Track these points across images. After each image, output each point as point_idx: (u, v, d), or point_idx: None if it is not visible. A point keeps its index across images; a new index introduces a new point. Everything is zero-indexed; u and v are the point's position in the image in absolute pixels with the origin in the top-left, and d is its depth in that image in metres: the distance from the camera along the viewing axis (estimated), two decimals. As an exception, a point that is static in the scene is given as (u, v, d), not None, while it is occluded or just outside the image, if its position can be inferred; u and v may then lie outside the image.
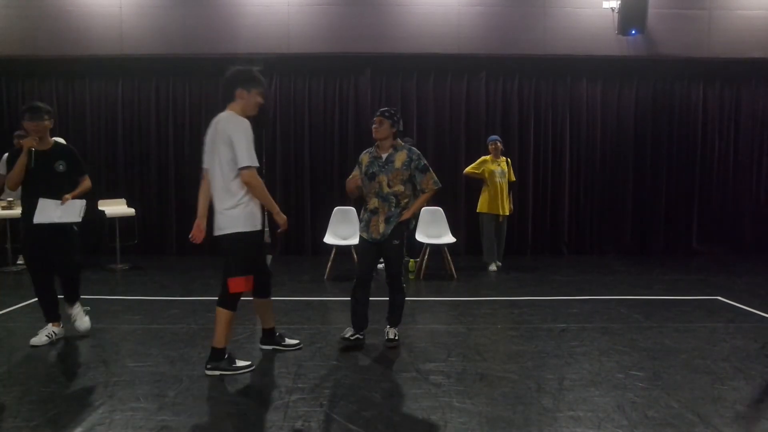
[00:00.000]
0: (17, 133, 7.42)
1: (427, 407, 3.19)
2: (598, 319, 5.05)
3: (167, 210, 8.65)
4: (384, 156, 4.12)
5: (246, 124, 3.55)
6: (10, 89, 8.52)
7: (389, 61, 8.35)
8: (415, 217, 4.20)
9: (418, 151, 4.26)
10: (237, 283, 3.60)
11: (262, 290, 3.95)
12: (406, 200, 4.14)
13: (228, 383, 3.53)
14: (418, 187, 4.20)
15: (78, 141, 8.41)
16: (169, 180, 8.61)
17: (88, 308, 4.70)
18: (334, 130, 8.55)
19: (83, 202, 4.31)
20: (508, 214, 7.35)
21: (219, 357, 3.70)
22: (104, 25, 8.01)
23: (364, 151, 4.29)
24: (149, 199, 8.60)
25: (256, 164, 3.53)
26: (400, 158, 4.11)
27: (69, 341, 4.33)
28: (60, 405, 3.19)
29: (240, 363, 3.75)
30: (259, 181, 3.55)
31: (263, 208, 3.75)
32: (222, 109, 3.67)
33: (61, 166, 4.23)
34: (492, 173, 7.16)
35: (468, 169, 7.37)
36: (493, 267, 7.30)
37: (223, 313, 3.67)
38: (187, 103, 8.56)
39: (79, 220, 4.28)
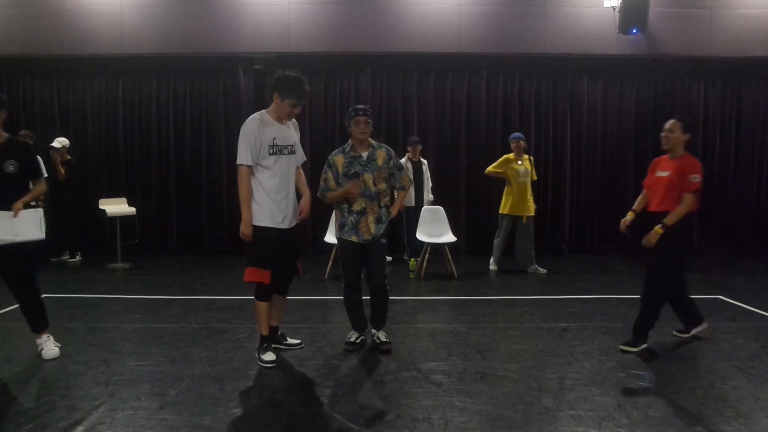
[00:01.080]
0: (22, 132, 7.44)
1: (427, 406, 3.19)
2: (599, 318, 5.05)
3: (168, 209, 8.65)
4: (365, 155, 4.03)
5: (250, 125, 3.69)
6: (10, 89, 8.51)
7: (390, 61, 8.35)
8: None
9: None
10: (248, 273, 3.76)
11: (281, 288, 4.01)
12: (386, 198, 4.11)
13: (228, 382, 3.54)
14: (397, 185, 4.18)
15: (79, 140, 8.43)
16: (170, 179, 8.61)
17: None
18: (335, 129, 8.54)
19: (40, 212, 3.78)
20: (533, 214, 7.10)
21: (260, 342, 3.92)
22: (105, 24, 8.01)
23: (334, 153, 4.12)
24: (150, 198, 8.60)
25: (246, 163, 3.67)
26: (381, 156, 4.05)
27: (69, 341, 4.33)
28: (61, 404, 3.19)
29: (265, 357, 3.85)
30: (243, 181, 3.69)
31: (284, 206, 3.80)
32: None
33: (11, 167, 3.71)
34: (515, 173, 6.93)
35: (490, 168, 7.11)
36: (493, 267, 7.25)
37: (254, 303, 3.85)
38: (188, 103, 8.55)
39: (43, 236, 3.78)
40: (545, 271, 7.12)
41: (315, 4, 8.03)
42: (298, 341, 4.22)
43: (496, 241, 7.28)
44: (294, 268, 4.01)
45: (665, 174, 4.07)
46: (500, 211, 7.18)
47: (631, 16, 7.82)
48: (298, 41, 8.04)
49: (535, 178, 7.23)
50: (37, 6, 7.99)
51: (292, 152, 3.83)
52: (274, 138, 3.72)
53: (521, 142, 7.02)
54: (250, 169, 3.69)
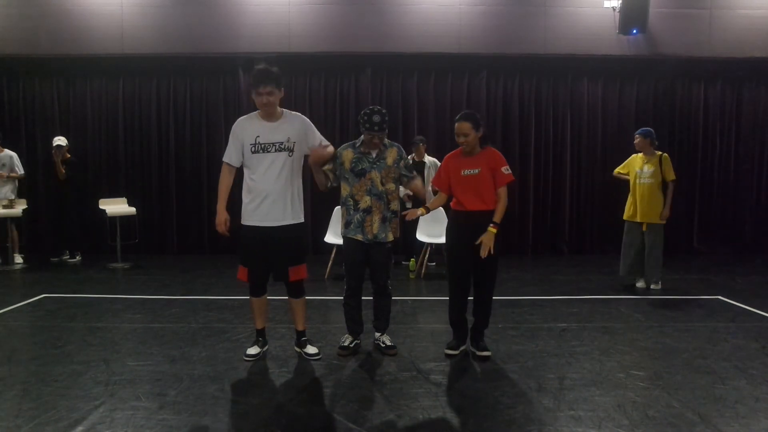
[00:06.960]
0: None
1: (427, 406, 3.19)
2: (599, 318, 5.05)
3: (168, 209, 8.65)
4: (374, 153, 3.98)
5: (235, 125, 3.84)
6: (11, 89, 8.52)
7: (390, 61, 8.35)
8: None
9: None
10: (239, 271, 3.86)
11: (287, 290, 3.96)
12: (395, 200, 4.04)
13: (228, 382, 3.54)
14: (407, 187, 4.16)
15: (79, 140, 8.43)
16: (170, 179, 8.61)
17: None
18: (335, 129, 8.54)
19: None
20: (657, 222, 5.99)
21: (255, 336, 4.06)
22: (105, 24, 8.02)
23: (343, 146, 4.09)
24: (150, 198, 8.60)
25: (225, 160, 3.79)
26: (391, 155, 4.00)
27: (69, 340, 4.33)
28: (60, 404, 3.19)
29: (248, 350, 3.98)
30: (222, 177, 3.80)
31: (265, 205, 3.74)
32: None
33: None
34: (635, 174, 6.10)
35: (616, 170, 6.47)
36: (641, 284, 6.21)
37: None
38: (188, 103, 8.55)
39: None
40: (659, 286, 6.14)
41: (315, 5, 8.04)
42: (316, 351, 3.98)
43: (622, 251, 6.32)
44: (283, 273, 3.78)
45: (474, 172, 3.88)
46: (624, 217, 6.30)
47: (631, 17, 7.83)
48: (299, 41, 8.05)
49: (673, 177, 5.99)
50: (37, 6, 7.99)
51: (282, 149, 3.71)
52: (257, 137, 3.69)
53: (647, 138, 6.07)
54: (230, 167, 3.79)
